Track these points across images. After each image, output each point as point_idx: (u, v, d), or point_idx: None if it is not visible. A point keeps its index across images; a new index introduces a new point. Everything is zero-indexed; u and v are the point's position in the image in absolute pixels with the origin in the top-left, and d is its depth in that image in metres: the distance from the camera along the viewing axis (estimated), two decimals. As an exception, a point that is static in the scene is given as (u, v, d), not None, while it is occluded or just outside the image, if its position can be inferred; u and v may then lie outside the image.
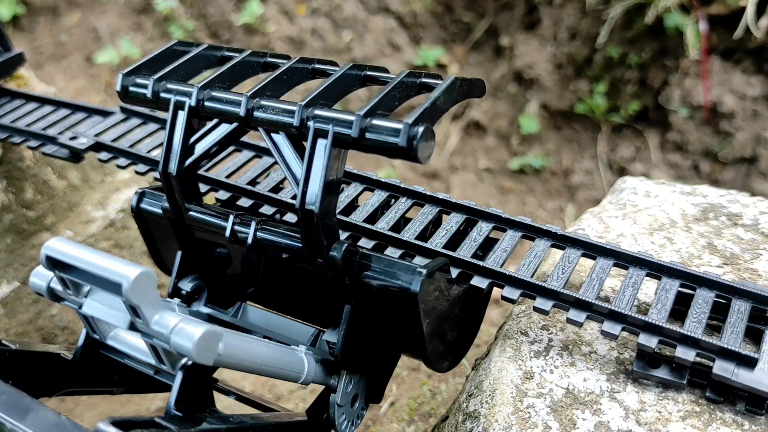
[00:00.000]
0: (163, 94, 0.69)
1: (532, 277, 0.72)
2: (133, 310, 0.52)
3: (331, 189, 0.61)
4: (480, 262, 0.74)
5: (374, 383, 0.75)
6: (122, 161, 0.99)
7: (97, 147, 1.01)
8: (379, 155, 0.59)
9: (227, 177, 0.91)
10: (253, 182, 0.90)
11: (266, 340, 0.68)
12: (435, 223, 0.82)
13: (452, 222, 0.80)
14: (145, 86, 0.69)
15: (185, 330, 0.52)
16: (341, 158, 0.62)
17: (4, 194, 1.18)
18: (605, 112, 2.23)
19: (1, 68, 1.20)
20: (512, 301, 0.72)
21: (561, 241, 0.77)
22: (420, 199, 0.84)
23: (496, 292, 0.74)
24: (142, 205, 0.77)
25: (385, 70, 0.67)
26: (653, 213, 0.90)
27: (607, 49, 2.19)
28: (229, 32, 2.63)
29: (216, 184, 0.90)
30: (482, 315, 0.79)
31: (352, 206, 0.85)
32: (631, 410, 0.65)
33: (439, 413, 1.16)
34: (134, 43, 2.69)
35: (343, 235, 0.80)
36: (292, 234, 0.67)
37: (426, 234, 0.80)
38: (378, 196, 0.85)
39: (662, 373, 0.66)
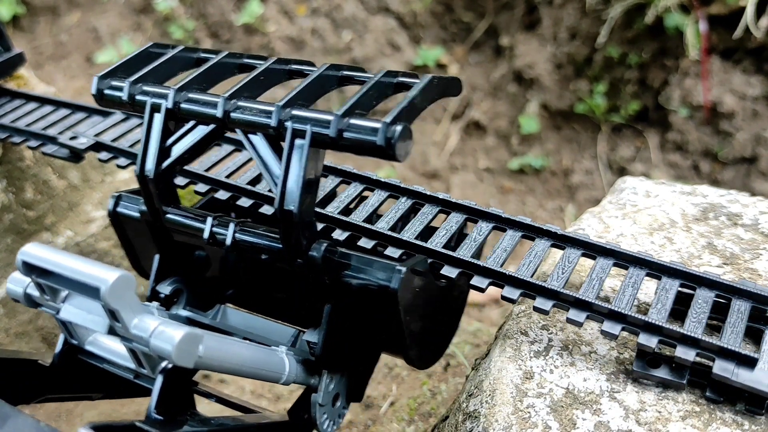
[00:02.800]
0: (139, 97, 0.68)
1: (532, 276, 0.72)
2: (112, 314, 0.51)
3: (309, 189, 0.61)
4: (480, 262, 0.74)
5: (355, 382, 0.75)
6: (122, 161, 0.99)
7: (97, 147, 1.01)
8: (358, 155, 0.59)
9: (227, 177, 0.91)
10: (254, 182, 0.90)
11: (247, 341, 0.68)
12: (433, 223, 0.82)
13: (452, 222, 0.80)
14: (120, 89, 0.68)
15: (165, 333, 0.51)
16: (319, 158, 0.62)
17: (4, 194, 1.18)
18: (605, 112, 2.23)
19: (1, 68, 1.20)
20: (512, 301, 0.72)
21: (561, 241, 0.77)
22: (420, 199, 0.84)
23: (495, 291, 0.74)
24: (119, 209, 0.76)
25: (363, 70, 0.67)
26: (653, 213, 0.90)
27: (607, 49, 2.19)
28: (229, 32, 2.63)
29: (216, 184, 0.90)
30: (462, 310, 0.80)
31: (351, 206, 0.85)
32: (631, 410, 0.65)
33: (439, 413, 1.16)
34: (134, 43, 2.69)
35: (343, 235, 0.80)
36: (271, 235, 0.67)
37: (421, 233, 0.80)
38: (378, 196, 0.85)
39: (662, 373, 0.66)
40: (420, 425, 1.16)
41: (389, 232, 0.78)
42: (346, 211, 0.84)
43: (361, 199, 0.87)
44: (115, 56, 2.65)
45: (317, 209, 0.83)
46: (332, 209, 0.83)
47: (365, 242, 0.79)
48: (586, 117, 2.26)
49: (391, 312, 0.66)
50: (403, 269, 0.64)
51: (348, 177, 0.89)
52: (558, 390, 0.68)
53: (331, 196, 0.87)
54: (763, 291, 0.68)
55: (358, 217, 0.82)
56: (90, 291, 0.50)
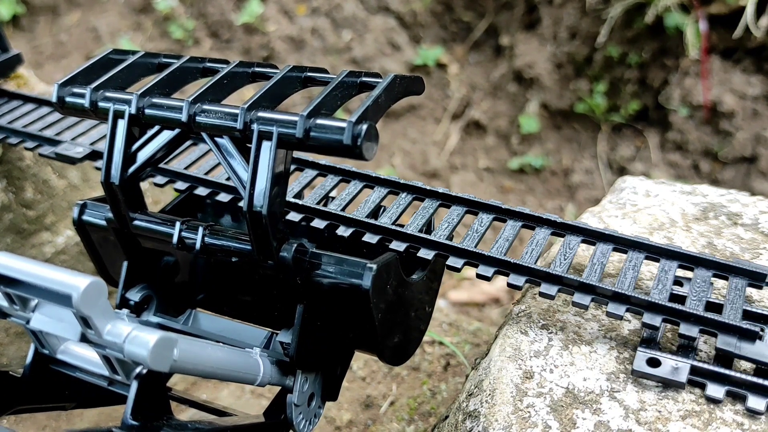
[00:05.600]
0: (101, 104, 0.67)
1: (535, 263, 0.73)
2: (84, 322, 0.50)
3: (278, 190, 0.61)
4: (485, 252, 0.75)
5: (330, 381, 0.76)
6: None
7: (94, 156, 1.00)
8: (324, 155, 0.59)
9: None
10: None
11: (221, 344, 0.67)
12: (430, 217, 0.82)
13: (453, 215, 0.81)
14: (82, 96, 0.67)
15: (139, 338, 0.50)
16: (287, 159, 0.62)
17: (4, 194, 1.18)
18: (605, 111, 2.23)
19: None
20: (518, 288, 0.73)
21: (560, 228, 0.78)
22: (420, 194, 0.85)
23: (495, 291, 0.74)
24: (85, 217, 0.75)
25: (326, 71, 0.67)
26: (653, 212, 0.90)
27: (607, 49, 2.19)
28: (229, 32, 2.63)
29: (217, 187, 0.90)
30: (433, 305, 0.80)
31: (353, 203, 0.85)
32: (631, 410, 0.65)
33: (439, 413, 1.16)
34: (134, 42, 2.69)
35: (347, 231, 0.80)
36: (241, 237, 0.66)
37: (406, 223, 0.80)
38: (378, 193, 0.86)
39: (663, 372, 0.66)
40: (420, 425, 1.16)
41: (393, 227, 0.79)
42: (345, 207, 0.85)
43: (361, 195, 0.87)
44: (114, 56, 2.64)
45: (319, 207, 0.83)
46: (335, 207, 0.83)
47: (369, 237, 0.79)
48: (586, 116, 2.26)
49: (363, 310, 0.66)
50: (374, 267, 0.64)
51: (348, 175, 0.89)
52: (558, 389, 0.68)
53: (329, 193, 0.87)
54: (757, 268, 0.71)
55: (360, 213, 0.82)
56: (61, 299, 0.48)
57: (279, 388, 0.73)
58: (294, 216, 0.84)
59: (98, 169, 0.99)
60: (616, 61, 2.20)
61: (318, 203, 0.84)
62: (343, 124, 0.56)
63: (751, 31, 1.91)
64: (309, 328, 0.69)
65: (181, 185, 0.91)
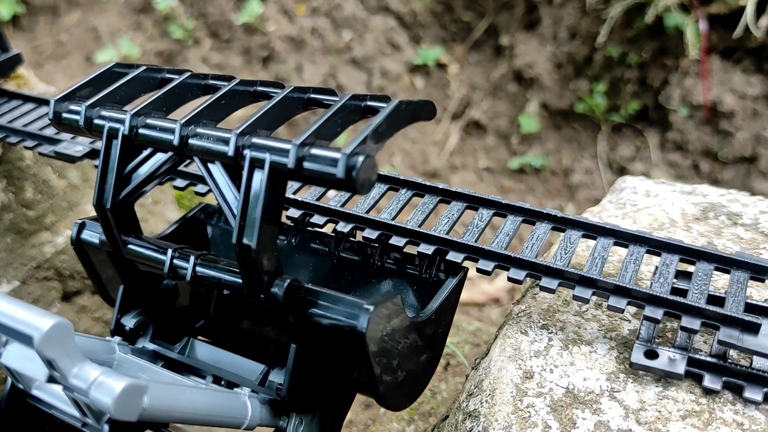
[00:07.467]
0: (96, 121, 0.64)
1: (536, 257, 0.73)
2: (49, 363, 0.48)
3: (269, 222, 0.57)
4: (485, 246, 0.75)
5: (329, 423, 0.71)
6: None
7: (93, 154, 1.00)
8: (321, 186, 0.55)
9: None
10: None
11: (204, 385, 0.64)
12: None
13: (453, 210, 0.82)
14: (77, 113, 0.64)
15: (105, 384, 0.47)
16: (280, 189, 0.57)
17: (3, 194, 1.18)
18: (605, 111, 2.23)
19: None
20: (518, 282, 0.72)
21: (561, 223, 0.78)
22: (420, 190, 0.85)
23: (495, 291, 0.74)
24: (83, 237, 0.72)
25: (332, 93, 0.64)
26: (653, 212, 0.90)
27: (607, 49, 2.19)
28: (229, 32, 2.63)
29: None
30: (442, 344, 0.76)
31: (352, 200, 0.86)
32: (631, 409, 0.65)
33: (439, 413, 1.16)
34: (134, 42, 2.69)
35: (347, 227, 0.79)
36: (233, 269, 0.62)
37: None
38: (378, 189, 0.86)
39: (660, 364, 0.66)
40: (420, 425, 1.16)
41: (393, 222, 0.79)
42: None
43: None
44: (114, 56, 2.65)
45: (318, 203, 0.83)
46: (334, 203, 0.84)
47: (369, 232, 0.79)
48: (586, 116, 2.26)
49: (359, 353, 0.61)
50: (371, 308, 0.59)
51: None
52: (558, 389, 0.68)
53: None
54: (760, 261, 0.71)
55: (360, 209, 0.82)
56: (24, 339, 0.46)
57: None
58: (293, 212, 0.84)
59: (98, 167, 0.99)
60: (616, 61, 2.20)
61: (317, 199, 0.84)
62: (337, 155, 0.51)
63: (751, 31, 1.91)
64: (302, 369, 0.64)
65: (180, 183, 0.91)
